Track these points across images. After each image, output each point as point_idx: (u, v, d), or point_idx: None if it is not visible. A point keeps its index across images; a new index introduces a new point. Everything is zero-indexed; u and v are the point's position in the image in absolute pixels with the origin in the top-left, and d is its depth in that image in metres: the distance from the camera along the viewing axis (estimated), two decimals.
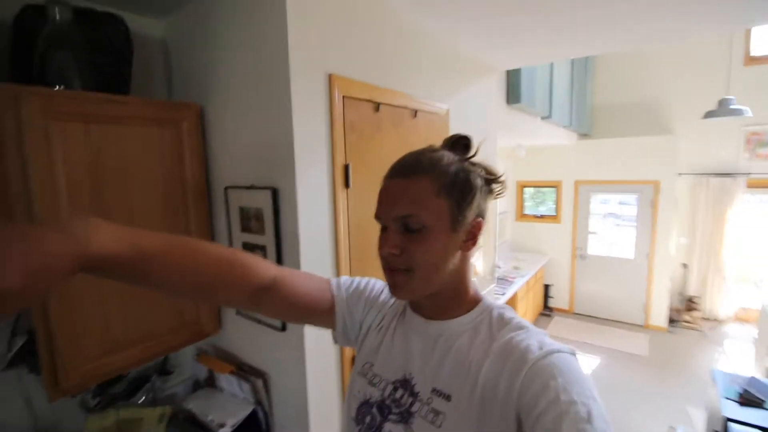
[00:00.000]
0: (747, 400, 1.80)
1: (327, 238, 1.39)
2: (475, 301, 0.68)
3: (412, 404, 0.63)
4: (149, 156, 1.38)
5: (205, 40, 1.49)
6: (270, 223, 1.35)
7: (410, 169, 0.62)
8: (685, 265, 5.09)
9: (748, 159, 4.72)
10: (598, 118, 5.57)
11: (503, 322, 0.63)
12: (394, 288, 0.65)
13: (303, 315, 0.77)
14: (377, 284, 0.81)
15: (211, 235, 1.58)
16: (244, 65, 1.36)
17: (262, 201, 1.37)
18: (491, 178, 0.67)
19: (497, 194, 0.68)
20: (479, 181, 0.64)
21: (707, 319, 4.98)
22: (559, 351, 0.54)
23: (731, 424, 1.70)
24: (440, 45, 2.03)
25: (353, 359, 1.50)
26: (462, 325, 0.65)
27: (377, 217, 0.65)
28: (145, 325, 1.38)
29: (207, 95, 1.51)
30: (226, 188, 1.49)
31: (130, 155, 1.32)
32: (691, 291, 5.08)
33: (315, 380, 1.37)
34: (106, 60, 1.35)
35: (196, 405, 1.49)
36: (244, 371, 1.54)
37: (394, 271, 0.63)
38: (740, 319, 4.90)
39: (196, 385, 1.73)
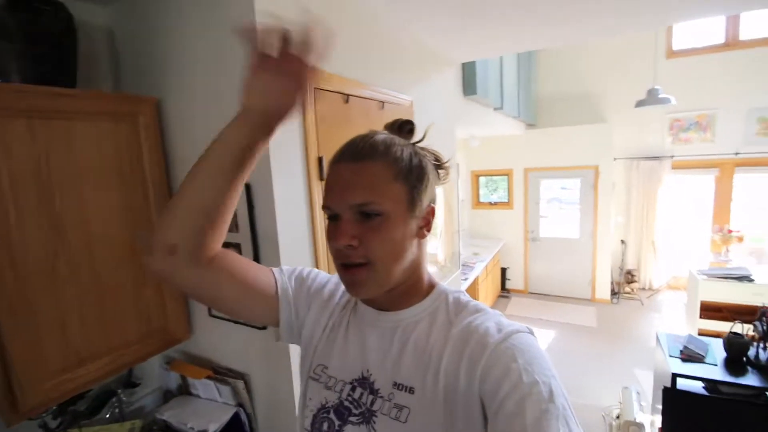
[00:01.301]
0: (688, 356, 2.03)
1: (305, 232, 1.37)
2: (430, 287, 0.65)
3: (373, 402, 0.59)
4: (104, 153, 1.27)
5: (159, 28, 1.39)
6: (244, 220, 1.31)
7: (363, 152, 0.57)
8: (623, 242, 5.55)
9: (671, 143, 5.22)
10: (543, 108, 5.89)
11: (460, 306, 0.61)
12: (352, 286, 0.59)
13: (243, 298, 0.67)
14: (320, 275, 0.75)
15: None
16: (207, 55, 1.29)
17: None
18: (438, 164, 0.65)
19: (443, 180, 0.66)
20: (431, 166, 0.63)
21: (644, 289, 5.49)
22: (517, 331, 0.54)
23: (678, 379, 1.91)
24: (403, 38, 2.05)
25: None
26: (418, 313, 0.62)
27: (326, 206, 0.59)
28: (109, 335, 1.29)
29: (164, 88, 1.42)
30: None
31: (82, 153, 1.21)
32: (629, 265, 5.57)
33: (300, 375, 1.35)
34: (47, 50, 1.23)
35: (171, 414, 1.42)
36: (222, 374, 1.48)
37: (352, 266, 0.57)
38: (672, 287, 5.45)
39: (167, 395, 1.64)
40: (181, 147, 1.44)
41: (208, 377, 1.46)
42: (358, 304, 0.69)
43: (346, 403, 0.62)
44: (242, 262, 0.68)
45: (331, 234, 0.58)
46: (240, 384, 1.42)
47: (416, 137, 0.67)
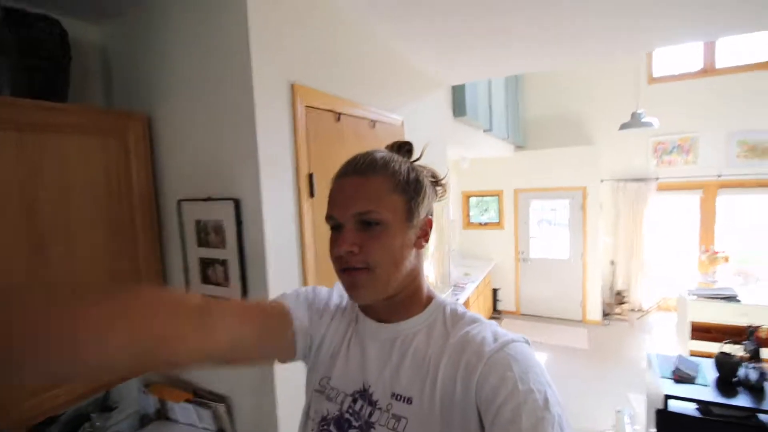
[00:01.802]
0: (680, 377, 2.02)
1: (293, 249, 1.36)
2: (429, 299, 0.67)
3: (371, 414, 0.60)
4: (92, 168, 1.26)
5: (150, 47, 1.41)
6: (232, 235, 1.29)
7: (364, 167, 0.61)
8: (612, 262, 5.59)
9: (656, 165, 5.34)
10: (531, 131, 6.02)
11: (457, 317, 0.63)
12: (353, 288, 0.61)
13: (259, 340, 0.64)
14: (323, 291, 0.76)
15: (160, 252, 1.47)
16: (198, 73, 1.31)
17: (222, 213, 1.31)
18: (435, 180, 0.69)
19: (440, 196, 0.70)
20: (427, 181, 0.66)
21: (634, 310, 5.49)
22: (512, 341, 0.55)
23: (670, 400, 1.90)
24: (395, 59, 2.10)
25: None
26: (417, 324, 0.64)
27: (329, 217, 0.62)
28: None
29: (154, 105, 1.43)
30: (179, 201, 1.41)
31: (70, 167, 1.20)
32: (619, 285, 5.59)
33: (285, 399, 1.31)
34: (40, 65, 1.23)
35: None
36: (202, 397, 1.43)
37: (353, 270, 0.60)
38: (662, 308, 5.46)
39: (144, 420, 1.57)
40: (171, 164, 1.43)
41: (188, 400, 1.41)
42: (359, 317, 0.70)
43: (347, 415, 0.62)
44: (245, 303, 0.68)
45: (333, 243, 0.62)
46: (221, 408, 1.37)
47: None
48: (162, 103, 1.41)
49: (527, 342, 0.57)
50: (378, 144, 2.01)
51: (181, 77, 1.35)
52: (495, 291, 5.79)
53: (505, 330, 0.59)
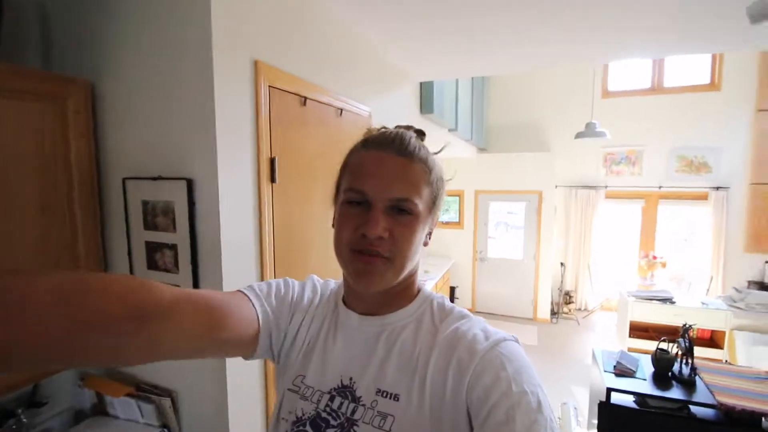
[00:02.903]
0: (621, 371, 2.15)
1: (250, 235, 1.29)
2: (417, 291, 0.65)
3: (354, 411, 0.56)
4: (23, 137, 1.13)
5: (97, 8, 1.28)
6: (183, 218, 1.20)
7: (410, 150, 0.57)
8: (562, 264, 5.87)
9: (605, 174, 5.67)
10: (492, 134, 6.19)
11: (445, 312, 0.61)
12: (367, 275, 0.56)
13: (222, 339, 0.56)
14: (296, 284, 0.71)
15: (102, 234, 1.35)
16: (152, 40, 1.20)
17: (173, 194, 1.22)
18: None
19: None
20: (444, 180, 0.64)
21: (580, 310, 5.81)
22: (504, 339, 0.54)
23: (612, 394, 2.01)
24: (364, 49, 2.06)
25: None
26: (405, 317, 0.61)
27: (356, 191, 0.56)
28: None
29: (99, 71, 1.30)
30: (124, 179, 1.29)
31: None
32: (568, 286, 5.88)
33: (236, 393, 1.25)
34: None
35: None
36: (145, 391, 1.33)
37: (372, 256, 0.55)
38: (605, 308, 5.81)
39: (79, 416, 1.44)
40: (116, 138, 1.31)
41: (129, 395, 1.30)
42: (339, 310, 0.66)
43: (324, 414, 0.58)
44: (213, 301, 0.54)
45: (355, 219, 0.56)
46: (166, 402, 1.28)
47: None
48: (108, 72, 1.29)
49: (516, 341, 0.56)
50: (342, 132, 1.98)
51: (131, 43, 1.24)
52: (453, 289, 5.89)
53: (494, 328, 0.57)
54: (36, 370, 0.35)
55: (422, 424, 0.52)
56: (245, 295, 0.62)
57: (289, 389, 0.63)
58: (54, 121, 1.21)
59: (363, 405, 0.56)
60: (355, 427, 0.55)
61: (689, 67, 5.22)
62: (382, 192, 0.55)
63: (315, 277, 0.75)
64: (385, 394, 0.56)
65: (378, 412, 0.55)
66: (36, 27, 1.36)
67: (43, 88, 1.18)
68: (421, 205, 0.57)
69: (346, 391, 0.59)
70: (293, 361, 0.65)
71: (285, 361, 0.66)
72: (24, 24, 1.33)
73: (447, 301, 0.64)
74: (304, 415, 0.59)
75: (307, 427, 0.58)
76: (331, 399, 0.59)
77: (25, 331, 0.36)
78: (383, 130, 0.63)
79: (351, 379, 0.59)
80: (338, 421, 0.56)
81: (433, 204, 0.60)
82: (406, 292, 0.63)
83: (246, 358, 0.64)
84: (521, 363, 0.51)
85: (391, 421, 0.53)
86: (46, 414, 1.38)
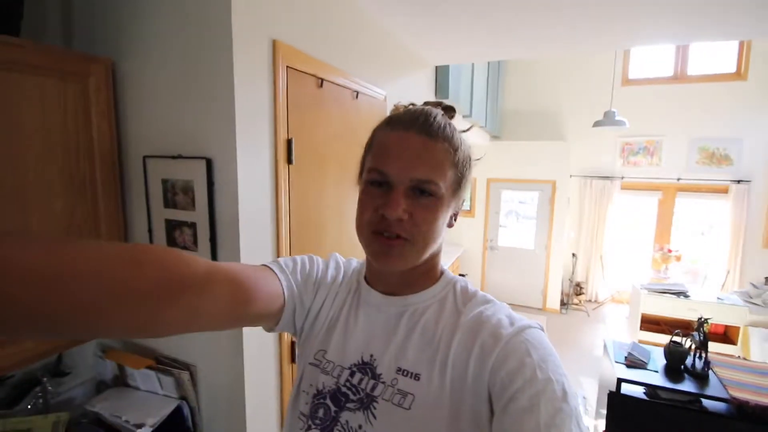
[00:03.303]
0: (632, 362, 2.14)
1: (267, 215, 1.30)
2: (440, 273, 0.65)
3: (374, 387, 0.57)
4: (47, 114, 1.15)
5: None
6: (202, 197, 1.22)
7: (434, 128, 0.55)
8: (574, 255, 5.82)
9: (622, 165, 5.56)
10: (507, 122, 6.08)
11: (468, 295, 0.61)
12: (386, 256, 0.56)
13: (251, 313, 0.57)
14: (320, 261, 0.71)
15: (123, 211, 1.38)
16: (172, 19, 1.20)
17: (192, 172, 1.23)
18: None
19: None
20: (472, 161, 0.63)
21: (590, 301, 5.77)
22: (529, 326, 0.54)
23: (623, 384, 2.01)
24: (381, 32, 2.03)
25: (293, 344, 1.44)
26: (428, 299, 0.61)
27: (378, 171, 0.55)
28: None
29: (120, 50, 1.31)
30: (144, 158, 1.31)
31: (22, 110, 1.09)
32: (579, 277, 5.84)
33: (252, 369, 1.28)
34: None
35: (104, 406, 1.29)
36: (165, 365, 1.37)
37: (394, 238, 0.55)
38: (616, 300, 5.77)
39: (101, 387, 1.49)
40: (137, 117, 1.33)
41: (149, 367, 1.35)
42: (361, 288, 0.67)
43: (344, 389, 0.59)
44: (242, 276, 0.55)
45: (376, 200, 0.55)
46: (185, 375, 1.32)
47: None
48: (129, 51, 1.30)
49: (542, 329, 0.55)
50: (358, 115, 1.98)
51: (152, 22, 1.24)
52: (462, 276, 5.90)
53: (519, 314, 0.57)
54: (71, 338, 0.35)
55: (442, 405, 0.52)
56: (271, 269, 0.63)
57: (310, 363, 0.64)
58: (76, 99, 1.22)
59: (383, 382, 0.57)
60: (374, 403, 0.55)
61: (714, 55, 5.03)
62: (403, 173, 0.54)
63: (338, 255, 0.75)
64: (405, 373, 0.56)
65: (398, 390, 0.55)
66: (57, 5, 1.37)
67: (65, 66, 1.19)
68: (444, 187, 0.55)
69: (366, 367, 0.59)
70: (315, 337, 0.66)
71: (307, 336, 0.67)
72: (45, 2, 1.34)
73: (470, 285, 0.64)
74: (324, 388, 0.60)
75: (328, 401, 0.59)
76: (352, 374, 0.59)
77: (65, 300, 0.36)
78: (410, 107, 0.61)
79: (372, 356, 0.60)
80: (358, 396, 0.57)
81: (458, 186, 0.58)
82: (429, 274, 0.63)
83: (267, 329, 0.66)
84: (547, 351, 0.50)
85: (411, 400, 0.53)
86: (69, 383, 1.44)
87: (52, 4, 1.36)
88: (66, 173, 1.20)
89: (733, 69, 4.93)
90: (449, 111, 0.63)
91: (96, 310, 0.38)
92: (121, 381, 1.43)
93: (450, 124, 0.59)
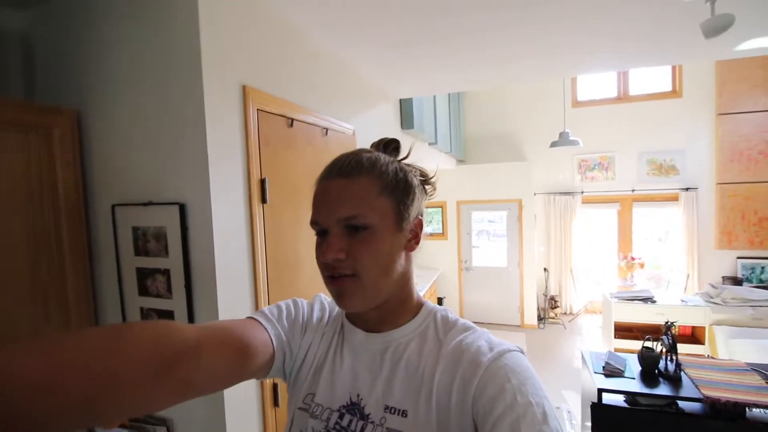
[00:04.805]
0: (610, 371, 2.20)
1: (244, 256, 1.30)
2: (419, 305, 0.65)
3: (363, 428, 0.57)
4: (9, 166, 1.12)
5: (82, 37, 1.29)
6: (176, 242, 1.20)
7: (349, 168, 0.58)
8: (546, 270, 5.99)
9: (581, 180, 5.87)
10: (471, 146, 6.35)
11: (449, 325, 0.61)
12: (342, 297, 0.58)
13: (245, 371, 0.57)
14: (304, 304, 0.71)
15: (90, 262, 1.33)
16: (139, 67, 1.22)
17: (164, 219, 1.22)
18: (424, 179, 0.66)
19: (429, 195, 0.68)
20: (416, 181, 0.63)
21: (565, 314, 5.91)
22: (508, 350, 0.54)
23: (603, 394, 2.05)
24: (346, 70, 2.11)
25: (275, 386, 1.40)
26: (408, 333, 0.61)
27: (314, 222, 0.59)
28: None
29: (85, 99, 1.31)
30: (113, 206, 1.29)
31: None
32: (552, 291, 5.99)
33: (234, 418, 1.23)
34: None
35: None
36: (139, 421, 1.30)
37: (340, 278, 0.57)
38: (589, 310, 5.94)
39: None
40: (104, 166, 1.31)
41: (123, 426, 1.27)
42: (345, 328, 0.67)
43: None
44: (233, 336, 0.55)
45: (319, 250, 0.58)
46: (161, 431, 1.25)
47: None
48: (95, 99, 1.29)
49: (522, 351, 0.56)
50: (328, 151, 2.02)
51: (118, 70, 1.25)
52: (440, 300, 5.92)
53: (498, 339, 0.58)
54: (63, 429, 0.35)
55: None
56: (257, 321, 0.63)
57: (299, 408, 0.63)
58: (40, 151, 1.20)
59: (372, 422, 0.57)
60: None
61: (652, 76, 5.51)
62: (330, 216, 0.57)
63: (323, 295, 0.75)
64: (393, 411, 0.56)
65: (387, 428, 0.55)
66: (18, 56, 1.36)
67: (27, 119, 1.17)
68: (374, 217, 0.56)
69: (354, 408, 0.59)
70: (303, 380, 0.65)
71: (295, 380, 0.67)
72: (5, 53, 1.33)
73: (451, 314, 0.64)
74: None
75: None
76: (341, 416, 0.59)
77: (59, 402, 0.36)
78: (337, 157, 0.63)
79: (359, 396, 0.60)
80: None
81: (399, 210, 0.59)
82: (403, 307, 0.63)
83: (258, 378, 0.66)
84: (526, 374, 0.51)
85: None
86: None
87: (13, 55, 1.35)
88: (30, 227, 1.16)
89: (669, 88, 5.40)
90: (387, 146, 0.65)
91: (92, 404, 0.38)
92: None
93: (371, 157, 0.60)
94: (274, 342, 0.62)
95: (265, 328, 0.62)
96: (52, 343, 0.39)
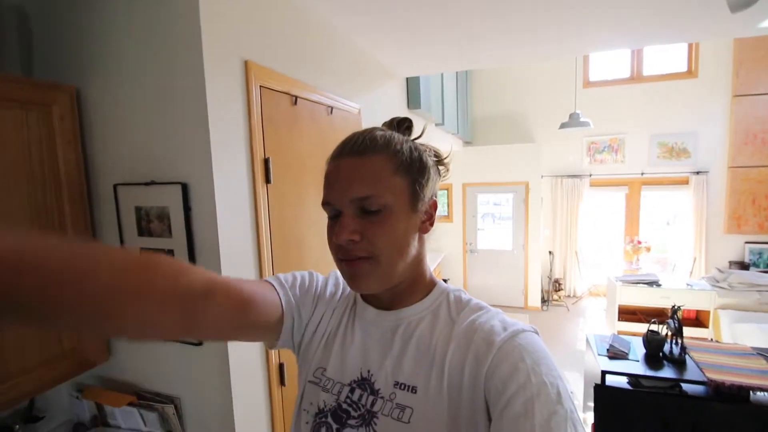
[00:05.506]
0: (614, 354, 2.20)
1: (248, 237, 1.28)
2: (431, 284, 0.64)
3: (373, 403, 0.57)
4: (8, 145, 1.10)
5: (81, 10, 1.25)
6: (179, 223, 1.19)
7: (363, 146, 0.56)
8: (551, 253, 5.97)
9: (589, 163, 5.78)
10: (478, 127, 6.24)
11: (462, 304, 0.61)
12: (355, 279, 0.57)
13: (249, 323, 0.59)
14: (320, 277, 0.72)
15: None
16: (139, 42, 1.18)
17: (167, 198, 1.20)
18: (438, 159, 0.65)
19: (443, 176, 0.66)
20: (431, 161, 0.62)
21: (569, 296, 5.92)
22: (523, 330, 0.54)
23: (607, 376, 2.06)
24: (351, 47, 2.05)
25: (281, 366, 1.41)
26: (421, 311, 0.61)
27: (326, 203, 0.57)
28: (2, 359, 1.09)
29: (84, 75, 1.27)
30: (115, 186, 1.27)
31: None
32: (557, 274, 5.99)
33: (241, 396, 1.24)
34: None
35: None
36: (147, 400, 1.32)
37: (355, 260, 0.55)
38: (593, 293, 5.94)
39: (79, 429, 1.41)
40: (105, 145, 1.28)
41: (131, 404, 1.29)
42: (357, 304, 0.67)
43: (345, 406, 0.59)
44: (243, 288, 0.57)
45: (331, 231, 0.57)
46: (170, 409, 1.27)
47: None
48: (94, 76, 1.26)
49: (536, 332, 0.55)
50: (333, 129, 1.98)
51: (117, 46, 1.21)
52: (445, 282, 5.94)
53: (512, 319, 0.57)
54: (75, 331, 0.46)
55: (440, 416, 0.52)
56: (270, 283, 0.64)
57: (310, 381, 0.64)
58: (39, 129, 1.18)
59: (382, 397, 0.57)
60: (375, 419, 0.56)
61: (666, 55, 5.33)
62: (342, 197, 0.55)
63: (337, 272, 0.74)
64: (402, 387, 0.56)
65: (396, 404, 0.55)
66: (15, 31, 1.32)
67: (25, 96, 1.15)
68: (389, 196, 0.55)
69: (365, 383, 0.59)
70: (314, 353, 0.66)
71: (305, 353, 0.67)
72: (2, 28, 1.29)
73: (464, 294, 0.64)
74: (325, 406, 0.60)
75: (329, 419, 0.59)
76: (351, 391, 0.59)
77: (85, 296, 0.40)
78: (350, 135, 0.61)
79: (369, 371, 0.60)
80: (359, 413, 0.57)
81: (415, 189, 0.57)
82: (417, 286, 0.63)
83: (269, 346, 0.67)
84: (540, 354, 0.51)
85: (409, 413, 0.54)
86: (43, 429, 1.36)
87: (10, 31, 1.31)
88: (31, 206, 1.15)
89: (684, 68, 5.23)
90: (400, 125, 0.64)
91: (110, 302, 0.42)
92: (100, 421, 1.36)
93: (385, 135, 0.58)
94: (283, 304, 0.63)
95: (276, 291, 0.64)
96: (95, 246, 0.45)
